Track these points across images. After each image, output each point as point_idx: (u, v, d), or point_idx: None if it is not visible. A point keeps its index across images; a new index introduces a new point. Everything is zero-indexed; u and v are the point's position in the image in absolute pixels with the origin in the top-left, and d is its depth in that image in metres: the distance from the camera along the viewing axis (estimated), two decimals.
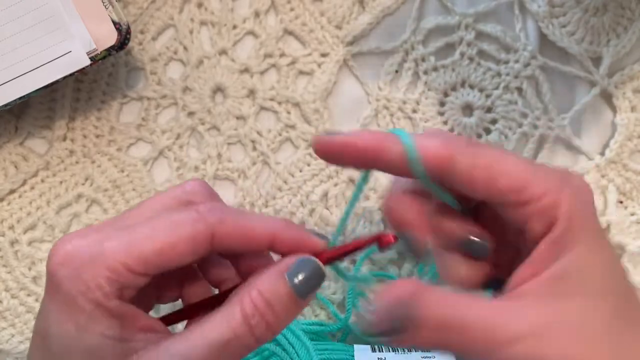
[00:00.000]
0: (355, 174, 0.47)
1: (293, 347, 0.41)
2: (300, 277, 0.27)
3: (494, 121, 0.47)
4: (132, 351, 0.27)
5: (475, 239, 0.29)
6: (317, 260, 0.28)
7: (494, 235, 0.30)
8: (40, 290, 0.47)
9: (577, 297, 0.26)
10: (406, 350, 0.43)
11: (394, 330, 0.26)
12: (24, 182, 0.48)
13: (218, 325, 0.27)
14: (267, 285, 0.27)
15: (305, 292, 0.27)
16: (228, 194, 0.48)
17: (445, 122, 0.48)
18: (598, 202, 0.47)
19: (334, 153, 0.29)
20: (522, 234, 0.28)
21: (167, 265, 0.27)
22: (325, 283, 0.46)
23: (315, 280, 0.28)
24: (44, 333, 0.28)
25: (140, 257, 0.27)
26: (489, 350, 0.25)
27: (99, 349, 0.27)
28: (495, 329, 0.25)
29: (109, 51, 0.45)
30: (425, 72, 0.48)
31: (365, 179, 0.30)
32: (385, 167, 0.28)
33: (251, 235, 0.28)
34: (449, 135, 0.29)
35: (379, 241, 0.29)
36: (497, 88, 0.47)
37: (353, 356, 0.42)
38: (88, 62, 0.44)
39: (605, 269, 0.27)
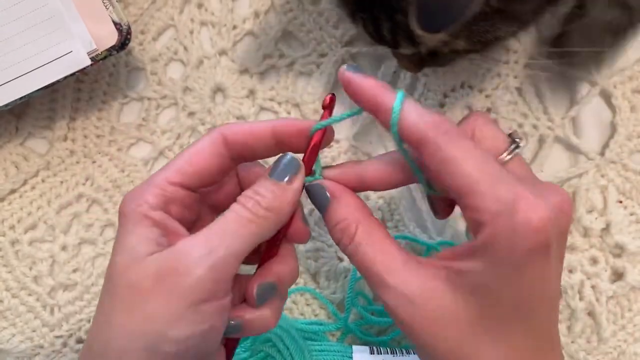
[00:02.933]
0: None
1: (288, 349, 0.41)
2: (276, 168, 0.33)
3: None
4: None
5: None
6: (291, 154, 0.33)
7: None
8: (40, 290, 0.47)
9: (453, 295, 0.29)
10: (404, 352, 0.43)
11: (317, 205, 0.34)
12: (25, 182, 0.48)
13: (220, 218, 0.32)
14: (255, 185, 0.33)
15: (283, 176, 0.33)
16: None
17: None
18: (598, 201, 0.47)
19: (346, 86, 0.33)
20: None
21: (199, 171, 0.33)
22: (325, 283, 0.46)
23: (288, 166, 0.33)
24: (130, 256, 0.31)
25: (176, 170, 0.32)
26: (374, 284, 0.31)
27: (137, 247, 0.31)
28: (385, 273, 0.31)
29: (110, 51, 0.45)
30: (425, 74, 0.48)
31: (356, 111, 0.34)
32: (378, 117, 0.32)
33: (255, 130, 0.33)
34: (439, 117, 0.30)
35: (326, 106, 0.34)
36: (497, 88, 0.47)
37: (351, 358, 0.42)
38: (89, 62, 0.44)
39: (500, 292, 0.29)
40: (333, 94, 0.35)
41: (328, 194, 0.34)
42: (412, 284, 0.30)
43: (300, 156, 0.34)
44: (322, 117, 0.34)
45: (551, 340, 0.31)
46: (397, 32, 0.35)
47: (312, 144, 0.34)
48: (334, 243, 0.34)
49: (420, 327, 0.30)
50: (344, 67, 0.33)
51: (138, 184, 0.33)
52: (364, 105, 0.32)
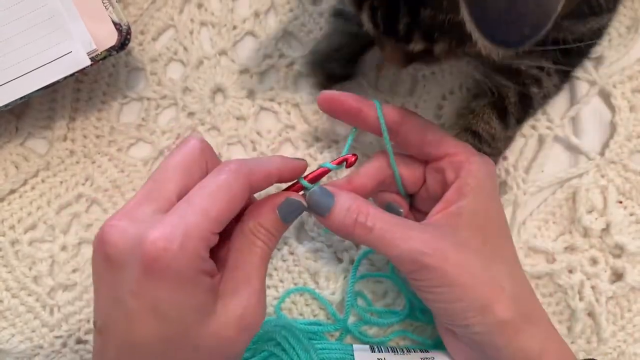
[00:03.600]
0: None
1: (293, 348, 0.41)
2: (288, 212, 0.38)
3: None
4: (216, 296, 0.34)
5: (393, 204, 0.42)
6: (293, 199, 0.38)
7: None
8: (40, 290, 0.47)
9: (463, 229, 0.37)
10: (405, 351, 0.43)
11: (320, 207, 0.38)
12: (25, 182, 0.48)
13: (255, 260, 0.36)
14: (267, 224, 0.37)
15: (288, 219, 0.38)
16: None
17: (443, 125, 0.48)
18: (597, 201, 0.47)
19: (332, 105, 0.41)
20: (444, 190, 0.40)
21: (231, 217, 0.35)
22: (325, 283, 0.46)
23: (297, 213, 0.38)
24: (153, 310, 0.32)
25: (217, 220, 0.33)
26: (387, 248, 0.37)
27: (204, 303, 0.33)
28: (392, 234, 0.37)
29: (110, 52, 0.45)
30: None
31: (354, 132, 0.42)
32: (362, 122, 0.40)
33: (270, 175, 0.37)
34: (405, 109, 0.41)
35: (345, 162, 0.41)
36: None
37: (353, 356, 0.42)
38: (88, 62, 0.44)
39: (487, 214, 0.39)
40: (356, 157, 0.41)
41: (331, 192, 0.39)
42: (429, 231, 0.37)
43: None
44: (322, 170, 0.40)
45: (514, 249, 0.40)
46: (415, 27, 0.35)
47: (319, 174, 0.40)
48: (343, 238, 0.39)
49: (443, 255, 0.36)
50: (325, 92, 0.40)
51: (165, 230, 0.32)
52: (348, 114, 0.40)
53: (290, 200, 0.38)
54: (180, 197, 0.34)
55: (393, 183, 0.42)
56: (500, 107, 0.44)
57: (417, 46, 0.36)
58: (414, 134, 0.40)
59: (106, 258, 0.32)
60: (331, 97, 0.40)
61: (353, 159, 0.40)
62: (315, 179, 0.40)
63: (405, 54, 0.38)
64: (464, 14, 0.29)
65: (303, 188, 0.40)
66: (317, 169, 0.40)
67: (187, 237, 0.32)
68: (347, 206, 0.38)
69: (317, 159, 0.48)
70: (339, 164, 0.40)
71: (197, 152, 0.36)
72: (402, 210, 0.42)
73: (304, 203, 0.39)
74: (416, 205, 0.43)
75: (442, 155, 0.39)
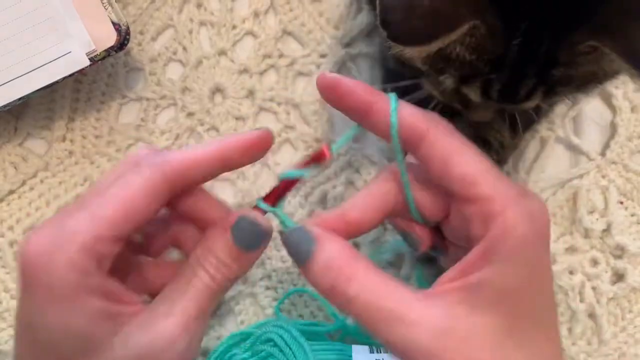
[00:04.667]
0: (354, 176, 0.47)
1: (290, 348, 0.40)
2: (243, 235, 0.30)
3: None
4: (119, 328, 0.27)
5: (413, 234, 0.33)
6: (254, 217, 0.30)
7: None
8: None
9: (482, 311, 0.27)
10: None
11: (298, 255, 0.29)
12: (24, 183, 0.48)
13: (189, 294, 0.29)
14: (217, 249, 0.30)
15: (251, 246, 0.30)
16: (227, 195, 0.48)
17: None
18: (598, 202, 0.46)
19: (335, 93, 0.30)
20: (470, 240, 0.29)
21: (135, 220, 0.28)
22: None
23: (258, 235, 0.30)
24: (28, 328, 0.28)
25: (107, 222, 0.27)
26: (374, 323, 0.27)
27: (88, 331, 0.27)
28: (385, 312, 0.27)
29: (108, 52, 0.45)
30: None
31: (355, 129, 0.31)
32: (371, 122, 0.30)
33: (200, 159, 0.30)
34: (432, 114, 0.30)
35: (316, 159, 0.31)
36: None
37: (351, 357, 0.41)
38: (87, 62, 0.44)
39: (522, 294, 0.27)
40: (329, 149, 0.31)
41: (313, 237, 0.29)
42: (435, 314, 0.27)
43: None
44: (300, 166, 0.32)
45: (559, 342, 0.30)
46: (540, 86, 0.30)
47: (281, 189, 0.32)
48: (321, 294, 0.30)
49: (452, 354, 0.27)
50: (329, 75, 0.30)
51: (39, 238, 0.26)
52: (354, 108, 0.30)
53: (245, 221, 0.30)
54: None
55: (408, 208, 0.32)
56: (512, 115, 0.43)
57: (533, 103, 0.31)
58: (437, 155, 0.28)
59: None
60: (335, 82, 0.30)
61: (325, 156, 0.31)
62: (277, 197, 0.32)
63: (500, 109, 0.33)
64: (620, 65, 0.27)
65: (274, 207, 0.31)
66: (279, 182, 0.32)
67: (65, 245, 0.26)
68: (326, 261, 0.28)
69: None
70: (307, 166, 0.31)
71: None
72: (419, 246, 0.33)
73: (266, 226, 0.30)
74: (443, 232, 0.33)
75: (471, 198, 0.28)
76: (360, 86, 0.30)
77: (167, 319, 0.28)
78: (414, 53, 0.29)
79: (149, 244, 0.34)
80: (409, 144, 0.29)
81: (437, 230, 0.33)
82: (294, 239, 0.30)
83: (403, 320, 0.27)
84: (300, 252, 0.29)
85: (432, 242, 0.33)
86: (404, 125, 0.29)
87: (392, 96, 0.30)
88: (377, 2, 0.27)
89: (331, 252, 0.29)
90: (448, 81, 0.31)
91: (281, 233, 0.31)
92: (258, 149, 0.31)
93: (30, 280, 0.27)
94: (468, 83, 0.31)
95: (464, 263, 0.28)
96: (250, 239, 0.30)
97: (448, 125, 0.29)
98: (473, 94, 0.31)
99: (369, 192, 0.32)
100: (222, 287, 0.30)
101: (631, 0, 0.27)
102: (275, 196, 0.32)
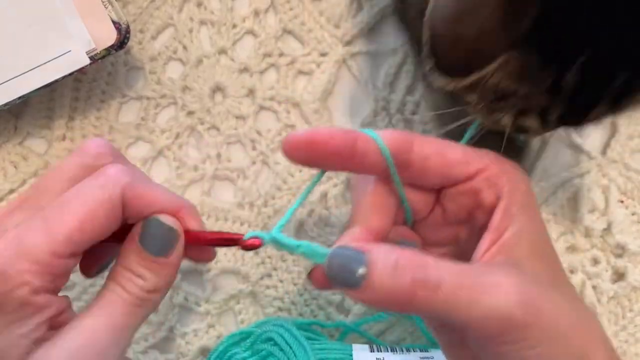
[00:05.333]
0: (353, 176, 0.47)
1: (290, 347, 0.40)
2: (151, 240, 0.29)
3: None
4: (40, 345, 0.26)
5: (406, 240, 0.32)
6: (159, 217, 0.29)
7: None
8: None
9: (529, 261, 0.29)
10: (404, 350, 0.43)
11: (350, 274, 0.26)
12: (24, 182, 0.48)
13: (101, 309, 0.28)
14: (128, 260, 0.29)
15: (162, 250, 0.29)
16: (227, 194, 0.48)
17: (445, 124, 0.47)
18: (599, 201, 0.46)
19: (313, 146, 0.29)
20: (474, 215, 0.31)
21: (92, 237, 0.28)
22: None
23: (167, 238, 0.29)
24: None
25: (65, 240, 0.26)
26: (462, 306, 0.26)
27: (9, 352, 0.26)
28: (467, 288, 0.26)
29: (109, 50, 0.45)
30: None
31: (320, 176, 0.32)
32: (357, 159, 0.30)
33: (161, 201, 0.29)
34: (409, 133, 0.32)
35: (242, 243, 0.30)
36: None
37: (351, 356, 0.41)
38: (87, 61, 0.44)
39: (543, 235, 0.31)
40: (261, 242, 0.30)
41: (360, 249, 0.27)
42: (505, 276, 0.27)
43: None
44: (219, 237, 0.31)
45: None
46: (610, 112, 0.30)
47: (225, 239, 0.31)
48: (390, 312, 0.30)
49: (545, 315, 0.27)
50: (292, 132, 0.30)
51: None
52: (336, 153, 0.29)
53: (149, 224, 0.29)
54: None
55: (397, 213, 0.32)
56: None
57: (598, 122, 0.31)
58: (431, 158, 0.30)
59: None
60: (308, 138, 0.29)
61: (256, 244, 0.30)
62: (208, 242, 0.31)
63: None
64: None
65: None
66: (218, 233, 0.32)
67: (14, 260, 0.26)
68: (392, 262, 0.26)
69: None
70: (232, 241, 0.30)
71: (91, 157, 0.30)
72: (419, 249, 0.33)
73: (173, 226, 0.29)
74: (419, 231, 0.34)
75: (473, 174, 0.30)
76: (336, 130, 0.29)
77: (78, 337, 0.27)
78: (457, 85, 0.30)
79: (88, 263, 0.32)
80: (400, 164, 0.30)
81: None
82: (339, 261, 0.26)
83: (495, 284, 0.26)
84: (351, 271, 0.26)
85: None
86: (393, 145, 0.30)
87: (368, 131, 0.30)
88: (424, 31, 0.27)
89: (389, 254, 0.26)
90: (505, 119, 0.31)
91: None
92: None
93: None
94: (525, 115, 0.31)
95: (493, 229, 0.29)
96: (158, 243, 0.29)
97: (419, 135, 0.32)
98: (532, 123, 0.31)
99: (372, 200, 0.31)
100: (140, 300, 0.28)
101: None
102: (221, 240, 0.31)
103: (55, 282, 0.27)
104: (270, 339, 0.42)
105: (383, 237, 0.31)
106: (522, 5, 0.26)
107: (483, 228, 0.30)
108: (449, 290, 0.25)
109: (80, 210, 0.27)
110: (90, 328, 0.27)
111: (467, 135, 0.33)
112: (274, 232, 0.30)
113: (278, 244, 0.30)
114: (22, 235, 0.26)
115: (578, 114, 0.30)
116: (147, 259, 0.29)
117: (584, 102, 0.29)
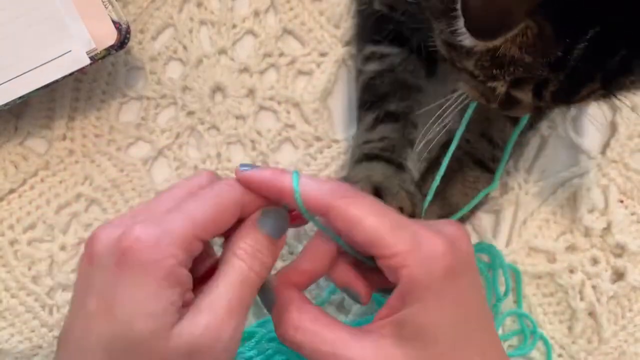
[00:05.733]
0: None
1: None
2: (269, 223, 0.34)
3: None
4: (179, 319, 0.30)
5: (350, 289, 0.36)
6: (275, 207, 0.34)
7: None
8: (39, 290, 0.47)
9: (403, 342, 0.32)
10: None
11: (266, 304, 0.35)
12: (24, 182, 0.48)
13: (229, 279, 0.32)
14: (249, 239, 0.33)
15: (278, 233, 0.34)
16: None
17: (444, 125, 0.47)
18: (599, 201, 0.47)
19: (248, 184, 0.34)
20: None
21: (220, 229, 0.33)
22: (324, 283, 0.46)
23: (281, 222, 0.34)
24: (106, 302, 0.30)
25: (201, 226, 0.31)
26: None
27: (163, 316, 0.30)
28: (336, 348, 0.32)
29: (109, 50, 0.45)
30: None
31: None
32: (284, 202, 0.34)
33: (266, 195, 0.34)
34: (335, 183, 0.35)
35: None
36: None
37: None
38: (88, 61, 0.44)
39: (440, 323, 0.32)
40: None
41: (272, 288, 0.35)
42: (367, 348, 0.32)
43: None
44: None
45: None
46: (600, 91, 0.31)
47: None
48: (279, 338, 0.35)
49: None
50: (238, 168, 0.34)
51: (147, 226, 0.30)
52: (270, 194, 0.34)
53: (267, 211, 0.34)
54: None
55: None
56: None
57: (587, 104, 0.31)
58: (341, 226, 0.33)
59: (89, 258, 0.31)
60: (248, 177, 0.34)
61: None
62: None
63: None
64: None
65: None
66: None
67: (165, 234, 0.30)
68: (278, 311, 0.34)
69: (317, 158, 0.48)
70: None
71: (205, 182, 0.35)
72: (360, 298, 0.36)
73: (284, 211, 0.35)
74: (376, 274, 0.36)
75: (378, 256, 0.33)
76: (268, 172, 0.34)
77: (211, 313, 0.31)
78: (482, 47, 0.30)
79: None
80: (317, 213, 0.34)
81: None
82: (262, 290, 0.34)
83: (340, 357, 0.32)
84: (267, 300, 0.35)
85: (379, 285, 0.36)
86: (308, 202, 0.33)
87: (295, 173, 0.34)
88: None
89: (284, 302, 0.34)
90: (499, 86, 0.31)
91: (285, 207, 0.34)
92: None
93: (130, 259, 0.29)
94: (519, 86, 0.31)
95: (388, 305, 0.33)
96: (274, 226, 0.34)
97: (349, 191, 0.34)
98: (524, 96, 0.31)
99: (313, 245, 0.36)
100: (259, 276, 0.33)
101: None
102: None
103: (190, 261, 0.31)
104: (274, 339, 0.42)
105: (310, 277, 0.36)
106: None
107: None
108: (308, 352, 0.33)
109: (213, 205, 0.32)
110: (225, 297, 0.31)
111: (466, 117, 0.34)
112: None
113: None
114: (169, 220, 0.31)
115: (571, 90, 0.30)
116: (268, 240, 0.33)
117: (579, 78, 0.29)
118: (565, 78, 0.29)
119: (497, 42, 0.28)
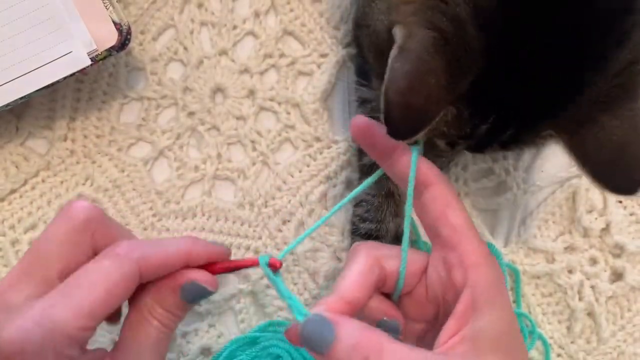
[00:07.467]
0: (354, 176, 0.48)
1: (298, 350, 0.41)
2: (189, 295, 0.34)
3: None
4: None
5: (389, 321, 0.34)
6: (205, 284, 0.34)
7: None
8: None
9: (486, 355, 0.30)
10: None
11: (320, 341, 0.30)
12: (25, 182, 0.48)
13: (146, 342, 0.33)
14: (167, 304, 0.34)
15: (196, 300, 0.34)
16: (228, 194, 0.48)
17: None
18: (597, 201, 0.47)
19: (366, 135, 0.36)
20: (446, 296, 0.33)
21: (111, 309, 0.31)
22: (324, 283, 0.46)
23: (200, 293, 0.34)
24: None
25: (89, 315, 0.30)
26: None
27: None
28: None
29: (110, 51, 0.45)
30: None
31: (379, 174, 0.37)
32: (390, 164, 0.35)
33: (171, 261, 0.33)
34: (441, 173, 0.35)
35: (269, 264, 0.35)
36: None
37: None
38: (89, 62, 0.44)
39: (505, 333, 0.31)
40: (280, 263, 0.36)
41: (331, 321, 0.30)
42: None
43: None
44: (240, 263, 0.36)
45: None
46: (503, 150, 0.37)
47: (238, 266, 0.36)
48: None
49: None
50: (357, 117, 0.36)
51: (23, 319, 0.29)
52: (379, 149, 0.35)
53: (196, 286, 0.33)
54: (63, 275, 0.31)
55: (385, 284, 0.35)
56: None
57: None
58: (438, 202, 0.33)
59: None
60: (366, 126, 0.35)
61: (277, 265, 0.35)
62: (223, 271, 0.35)
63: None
64: (579, 167, 0.34)
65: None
66: (231, 261, 0.36)
67: (49, 337, 0.29)
68: (353, 342, 0.29)
69: (317, 159, 0.48)
70: (253, 264, 0.35)
71: (80, 223, 0.33)
72: (400, 328, 0.35)
73: (212, 289, 0.34)
74: (403, 307, 0.36)
75: (456, 246, 0.32)
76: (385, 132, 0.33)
77: None
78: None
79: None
80: (416, 188, 0.34)
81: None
82: (312, 327, 0.30)
83: None
84: (319, 339, 0.30)
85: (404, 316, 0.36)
86: (420, 168, 0.34)
87: (415, 149, 0.34)
88: (382, 98, 0.31)
89: (354, 332, 0.30)
90: (440, 143, 0.37)
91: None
92: (218, 258, 0.35)
93: None
94: (454, 145, 0.37)
95: (456, 316, 0.31)
96: (196, 298, 0.34)
97: (449, 182, 0.35)
98: (443, 146, 0.37)
99: (357, 271, 0.34)
100: (171, 333, 0.34)
101: (600, 92, 0.32)
102: (222, 269, 0.35)
103: (82, 348, 0.31)
104: (277, 357, 0.42)
105: (357, 307, 0.33)
106: (462, 74, 0.32)
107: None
108: None
109: (102, 288, 0.30)
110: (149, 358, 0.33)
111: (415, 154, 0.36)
112: (279, 256, 0.36)
113: (272, 282, 0.35)
114: (49, 312, 0.29)
115: (478, 149, 0.37)
116: (181, 304, 0.34)
117: (483, 143, 0.36)
118: (473, 142, 0.36)
119: (421, 135, 0.32)
